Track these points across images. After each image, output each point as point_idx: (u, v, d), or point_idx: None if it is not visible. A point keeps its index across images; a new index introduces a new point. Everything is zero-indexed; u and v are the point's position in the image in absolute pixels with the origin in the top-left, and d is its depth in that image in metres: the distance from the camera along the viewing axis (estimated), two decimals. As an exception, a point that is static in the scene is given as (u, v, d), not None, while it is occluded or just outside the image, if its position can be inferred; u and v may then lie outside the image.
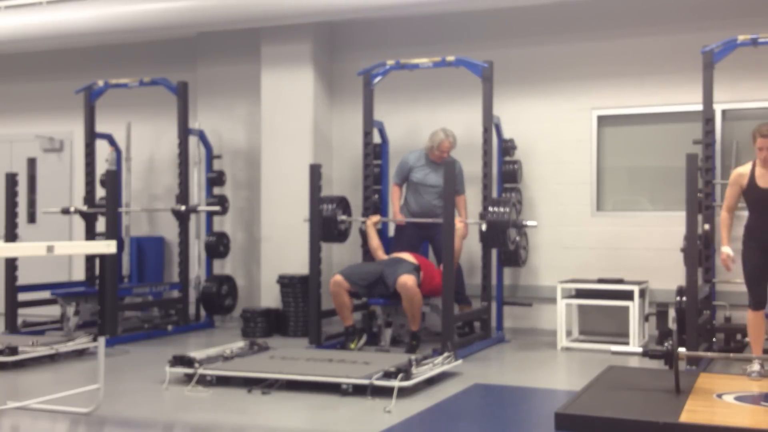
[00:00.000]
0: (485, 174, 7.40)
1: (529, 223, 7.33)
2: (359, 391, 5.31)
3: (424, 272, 7.13)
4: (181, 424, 4.94)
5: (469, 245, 7.84)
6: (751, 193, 5.90)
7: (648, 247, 7.72)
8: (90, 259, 8.93)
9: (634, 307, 7.20)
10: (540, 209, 8.13)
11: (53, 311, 8.52)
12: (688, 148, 6.81)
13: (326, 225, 7.48)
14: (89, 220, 8.84)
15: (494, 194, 7.70)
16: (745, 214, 6.04)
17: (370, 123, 7.78)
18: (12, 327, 7.94)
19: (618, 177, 8.03)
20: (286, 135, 8.63)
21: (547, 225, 8.08)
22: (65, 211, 8.85)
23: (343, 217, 7.60)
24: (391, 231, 8.03)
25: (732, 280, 7.19)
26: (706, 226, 6.83)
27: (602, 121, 8.01)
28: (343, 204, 7.69)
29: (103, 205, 8.18)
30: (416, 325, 6.95)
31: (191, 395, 5.44)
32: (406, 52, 8.12)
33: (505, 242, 7.07)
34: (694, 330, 6.02)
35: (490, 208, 7.05)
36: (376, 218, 7.60)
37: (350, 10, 7.98)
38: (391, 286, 6.92)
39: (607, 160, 8.03)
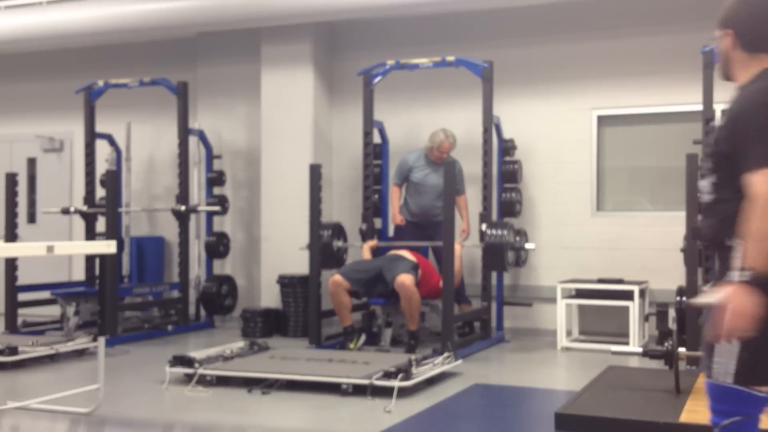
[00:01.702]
0: (485, 174, 7.40)
1: (527, 246, 7.35)
2: (359, 391, 5.31)
3: (423, 271, 7.13)
4: (181, 424, 4.94)
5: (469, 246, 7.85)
6: None
7: (648, 247, 7.72)
8: (90, 259, 8.93)
9: (634, 307, 7.19)
10: (540, 209, 8.13)
11: (53, 311, 8.52)
12: (688, 148, 6.80)
13: (323, 253, 7.38)
14: (89, 220, 8.84)
15: (494, 194, 7.70)
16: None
17: (370, 123, 7.78)
18: (12, 327, 7.94)
19: (618, 177, 8.03)
20: (286, 135, 8.63)
21: (547, 225, 8.08)
22: (65, 211, 8.85)
23: (339, 244, 7.55)
24: (391, 231, 8.03)
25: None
26: (707, 226, 6.82)
27: (602, 121, 8.01)
28: (337, 230, 7.65)
29: (103, 205, 8.18)
30: (414, 324, 6.95)
31: (191, 395, 5.44)
32: (406, 52, 8.12)
33: (504, 265, 7.13)
34: (694, 330, 6.02)
35: (489, 231, 7.04)
36: (373, 243, 7.60)
37: (350, 10, 7.97)
38: (390, 283, 6.93)
39: (607, 160, 8.03)
